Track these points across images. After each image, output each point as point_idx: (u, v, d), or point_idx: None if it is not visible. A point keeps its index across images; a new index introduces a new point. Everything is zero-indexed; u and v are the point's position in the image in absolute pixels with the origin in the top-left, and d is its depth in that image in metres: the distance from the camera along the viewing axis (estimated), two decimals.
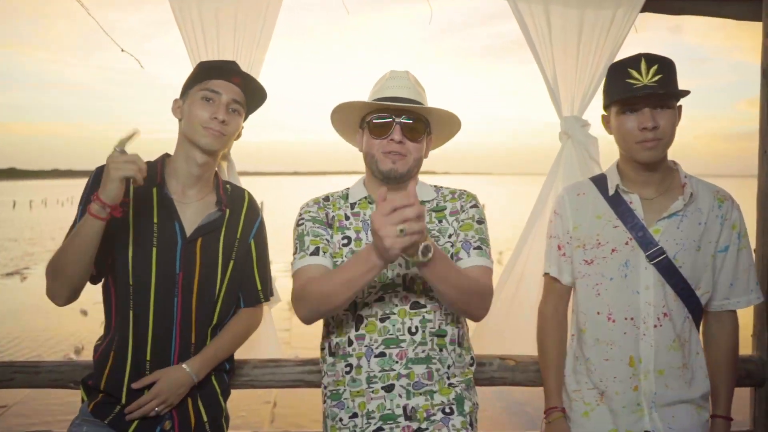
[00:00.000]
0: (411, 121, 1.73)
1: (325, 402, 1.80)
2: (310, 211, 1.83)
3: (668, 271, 1.74)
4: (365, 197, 1.83)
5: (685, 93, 1.70)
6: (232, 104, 1.82)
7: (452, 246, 1.76)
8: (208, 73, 1.82)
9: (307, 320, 1.69)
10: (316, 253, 1.74)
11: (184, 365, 1.76)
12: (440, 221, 1.80)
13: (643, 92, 1.66)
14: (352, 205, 1.84)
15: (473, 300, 1.64)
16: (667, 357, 1.75)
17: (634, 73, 1.70)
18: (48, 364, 2.20)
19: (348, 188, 1.91)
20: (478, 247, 1.74)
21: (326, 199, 1.88)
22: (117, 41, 1.84)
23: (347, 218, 1.82)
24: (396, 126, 1.72)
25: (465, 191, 1.88)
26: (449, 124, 1.84)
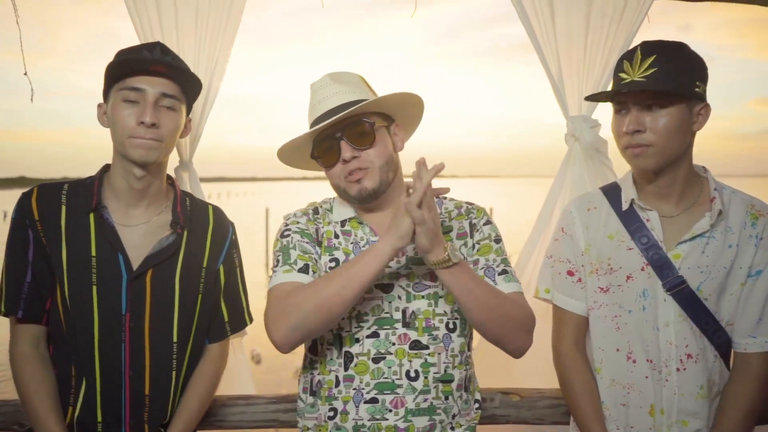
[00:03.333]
0: (354, 126, 1.46)
1: None
2: (298, 222, 1.57)
3: (690, 304, 1.45)
4: (353, 217, 1.57)
5: (672, 93, 1.39)
6: (161, 100, 1.50)
7: None
8: (123, 67, 1.49)
9: (286, 342, 1.39)
10: (305, 270, 1.46)
11: None
12: None
13: (628, 89, 1.41)
14: (342, 223, 1.58)
15: (507, 324, 1.40)
16: (693, 406, 1.47)
17: (626, 66, 1.44)
18: None
19: (332, 201, 1.64)
20: (504, 271, 1.51)
21: (315, 211, 1.61)
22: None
23: (336, 237, 1.56)
24: (341, 143, 1.45)
25: (472, 205, 1.62)
26: (409, 105, 1.56)
